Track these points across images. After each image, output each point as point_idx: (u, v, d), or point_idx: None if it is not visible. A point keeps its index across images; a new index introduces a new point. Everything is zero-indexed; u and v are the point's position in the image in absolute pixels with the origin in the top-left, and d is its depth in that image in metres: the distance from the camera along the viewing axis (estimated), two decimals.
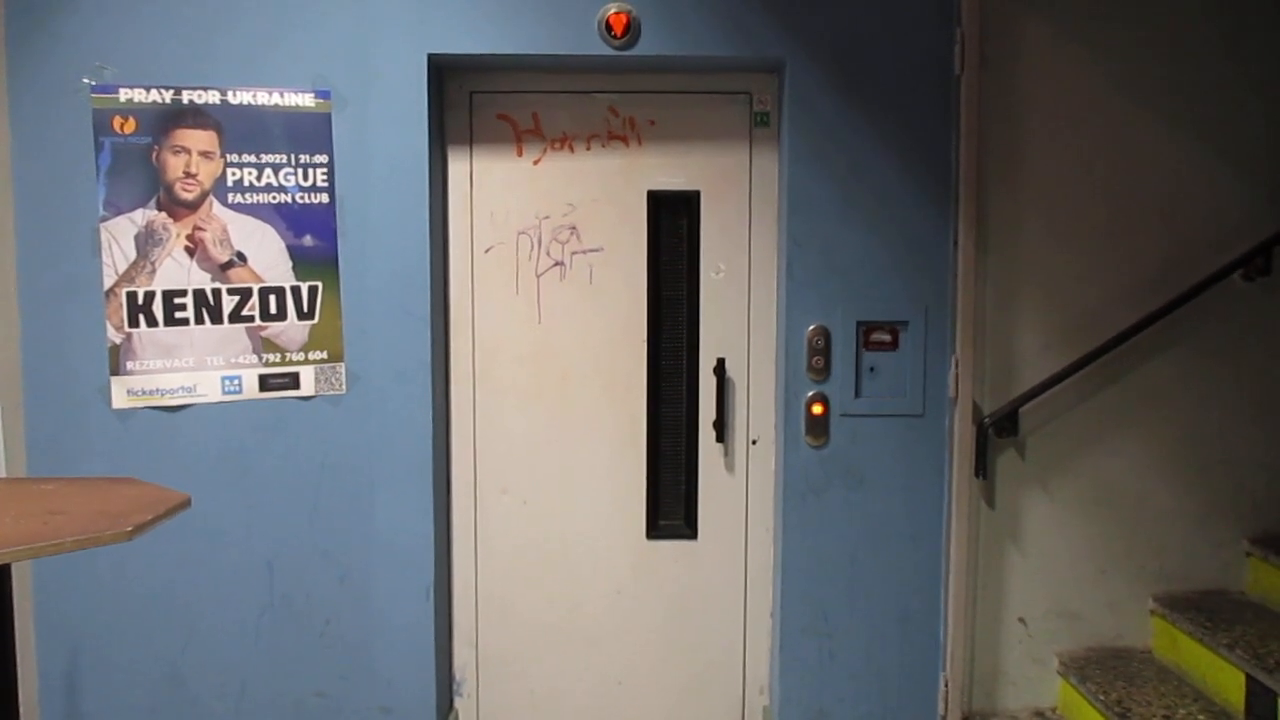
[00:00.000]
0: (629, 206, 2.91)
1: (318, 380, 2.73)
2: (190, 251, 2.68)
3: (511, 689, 3.01)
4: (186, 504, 1.81)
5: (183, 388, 2.70)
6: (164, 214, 2.67)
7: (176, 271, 2.68)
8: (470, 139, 2.89)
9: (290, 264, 2.71)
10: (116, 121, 2.63)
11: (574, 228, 2.91)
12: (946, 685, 2.82)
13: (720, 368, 2.92)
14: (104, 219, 2.65)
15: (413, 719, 2.81)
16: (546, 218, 2.91)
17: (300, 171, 2.69)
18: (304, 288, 2.72)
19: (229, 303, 2.70)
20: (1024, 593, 2.86)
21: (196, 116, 2.66)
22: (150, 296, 2.67)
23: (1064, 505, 2.85)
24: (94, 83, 2.62)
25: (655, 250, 2.92)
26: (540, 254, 2.92)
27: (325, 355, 2.74)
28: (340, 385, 2.74)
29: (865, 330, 2.79)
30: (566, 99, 2.88)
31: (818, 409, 2.78)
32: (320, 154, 2.69)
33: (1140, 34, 2.77)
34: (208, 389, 2.71)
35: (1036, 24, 2.75)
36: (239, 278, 2.70)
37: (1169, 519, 2.86)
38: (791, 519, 2.81)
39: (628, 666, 3.01)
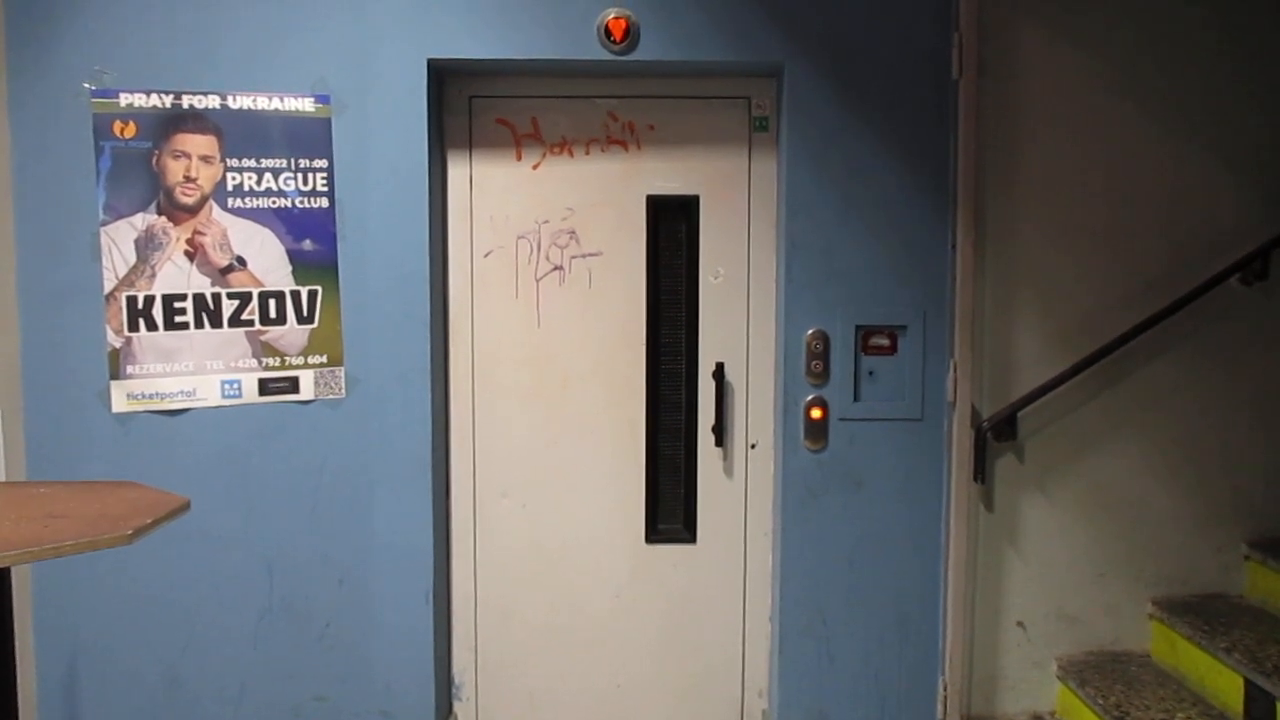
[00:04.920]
0: (628, 211, 2.91)
1: (317, 384, 2.74)
2: (190, 256, 2.69)
3: (510, 692, 3.01)
4: (186, 507, 1.81)
5: (182, 392, 2.70)
6: (164, 218, 2.67)
7: (176, 276, 2.68)
8: (470, 143, 2.90)
9: (290, 268, 2.71)
10: (117, 126, 2.64)
11: (573, 232, 2.92)
12: (945, 688, 2.82)
13: (719, 372, 2.92)
14: (104, 223, 2.65)
15: None
16: (546, 222, 2.91)
17: (300, 176, 2.70)
18: (304, 292, 2.72)
19: (229, 307, 2.70)
20: (1023, 596, 2.86)
21: (197, 121, 2.66)
22: (150, 300, 2.67)
23: (1062, 509, 2.85)
24: (94, 87, 2.63)
25: (654, 254, 2.93)
26: (539, 258, 2.92)
27: (325, 359, 2.74)
28: (340, 389, 2.74)
29: (864, 334, 2.79)
30: (566, 104, 2.89)
31: (816, 413, 2.78)
32: (320, 158, 2.70)
33: (1138, 38, 2.78)
34: (207, 393, 2.71)
35: (1034, 28, 2.76)
36: (239, 282, 2.70)
37: (1167, 523, 2.87)
38: (790, 523, 2.81)
39: (627, 670, 3.01)
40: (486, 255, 2.92)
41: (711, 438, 2.95)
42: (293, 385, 2.73)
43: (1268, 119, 2.82)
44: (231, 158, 2.68)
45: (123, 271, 2.67)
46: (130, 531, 1.59)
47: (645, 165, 2.91)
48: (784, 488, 2.81)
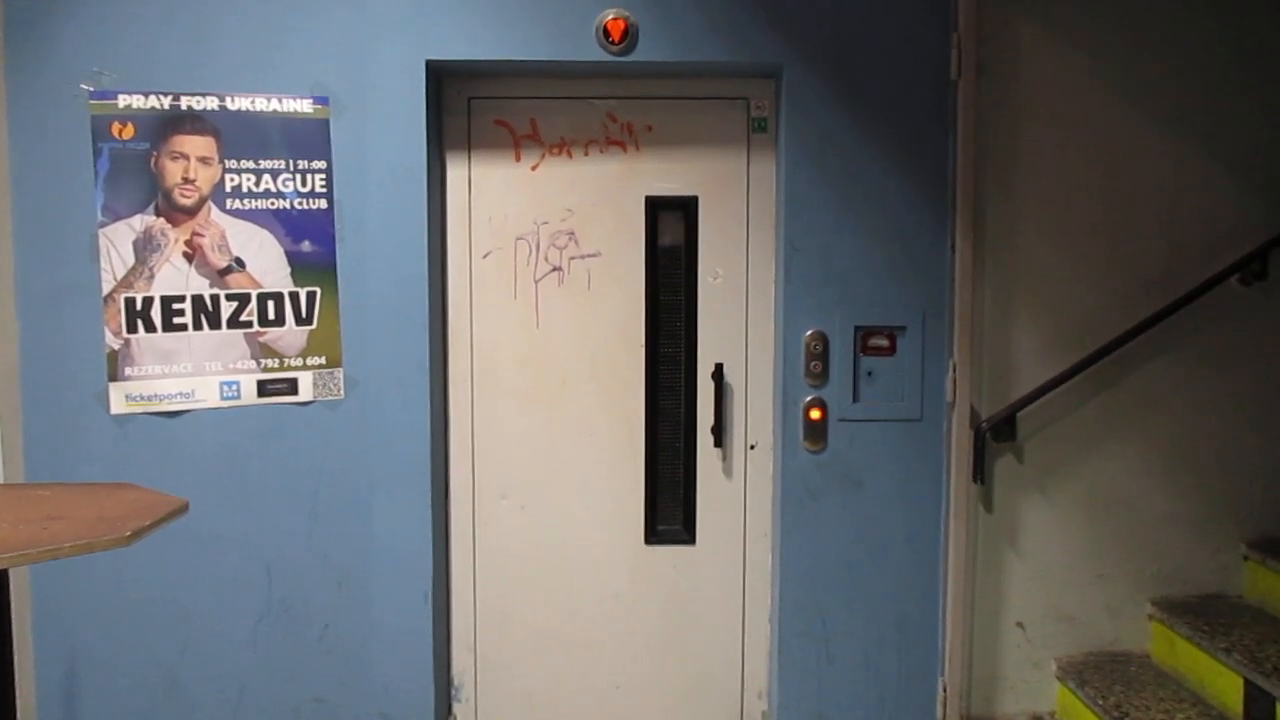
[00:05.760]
0: (627, 212, 2.91)
1: (316, 386, 2.74)
2: (189, 257, 2.69)
3: (509, 694, 3.00)
4: (184, 509, 1.81)
5: (181, 393, 2.70)
6: (162, 220, 2.67)
7: (175, 277, 2.68)
8: (468, 144, 2.90)
9: (289, 269, 2.71)
10: (115, 127, 2.64)
11: (572, 233, 2.91)
12: (944, 689, 2.82)
13: (718, 373, 2.92)
14: (102, 225, 2.65)
15: None
16: (545, 223, 2.91)
17: (299, 177, 2.70)
18: (302, 293, 2.72)
19: (227, 308, 2.70)
20: (1022, 597, 2.86)
21: (195, 122, 2.66)
22: (149, 302, 2.67)
23: (1062, 509, 2.85)
24: (92, 89, 2.63)
25: (653, 255, 2.93)
26: (538, 259, 2.92)
27: (323, 361, 2.74)
28: (338, 390, 2.74)
29: (863, 335, 2.79)
30: (565, 104, 2.89)
31: (815, 414, 2.78)
32: (318, 160, 2.70)
33: (1137, 38, 2.78)
34: (206, 394, 2.71)
35: (1033, 29, 2.76)
36: (237, 283, 2.70)
37: (1167, 523, 2.87)
38: (789, 524, 2.81)
39: (626, 671, 3.01)
40: (485, 256, 2.92)
41: (710, 438, 2.95)
42: (291, 387, 2.73)
43: (1268, 119, 2.82)
44: (230, 159, 2.68)
45: (121, 273, 2.66)
46: (129, 533, 1.59)
47: (644, 166, 2.91)
48: (783, 488, 2.81)
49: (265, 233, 2.70)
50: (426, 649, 2.81)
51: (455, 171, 2.90)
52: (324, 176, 2.70)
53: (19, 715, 2.49)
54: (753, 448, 2.96)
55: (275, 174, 2.69)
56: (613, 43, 2.69)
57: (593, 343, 2.93)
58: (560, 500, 2.96)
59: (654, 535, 2.98)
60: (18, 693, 2.12)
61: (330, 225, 2.71)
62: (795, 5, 2.71)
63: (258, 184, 2.69)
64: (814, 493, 2.80)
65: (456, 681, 2.99)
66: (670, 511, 2.99)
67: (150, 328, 2.68)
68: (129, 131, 2.64)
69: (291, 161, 2.69)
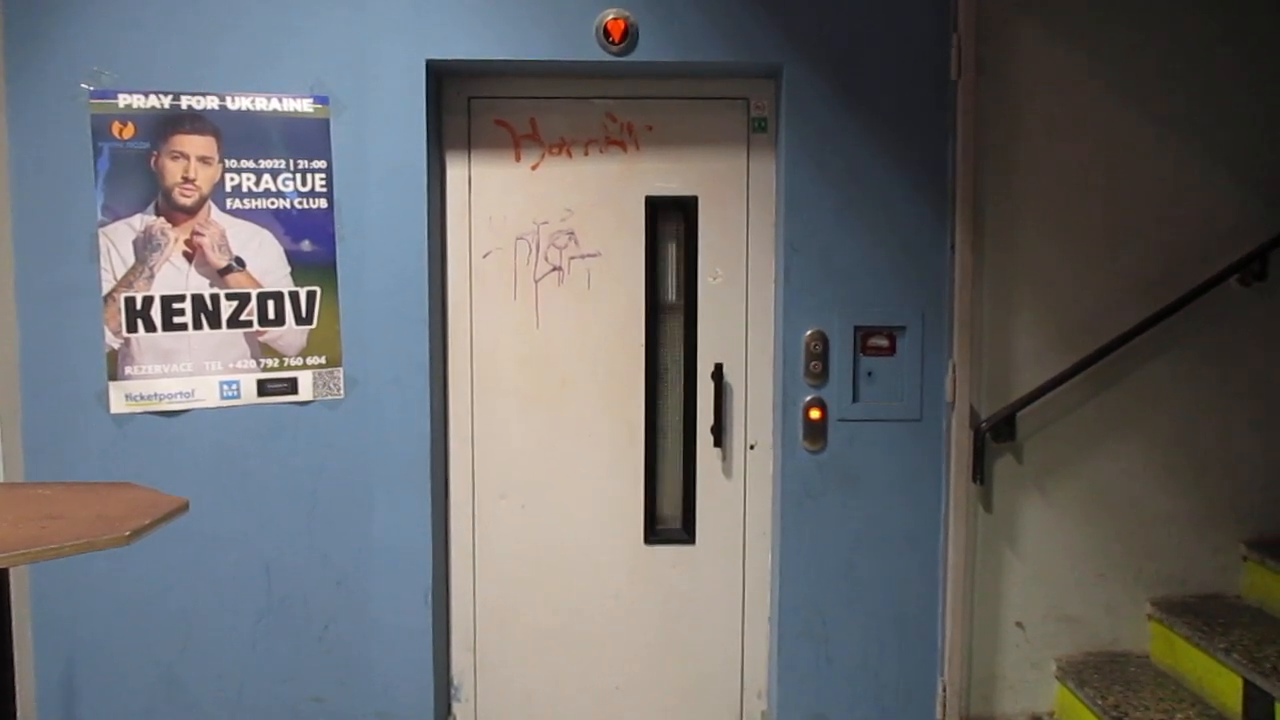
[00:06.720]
0: (627, 212, 2.91)
1: (316, 385, 2.74)
2: (189, 256, 2.69)
3: (509, 694, 3.00)
4: (184, 508, 1.81)
5: (181, 393, 2.70)
6: (162, 219, 2.67)
7: (175, 276, 2.68)
8: (468, 144, 2.90)
9: (288, 269, 2.71)
10: (115, 127, 2.64)
11: (572, 233, 2.91)
12: (944, 689, 2.82)
13: (718, 372, 2.92)
14: (102, 224, 2.65)
15: None
16: (544, 223, 2.91)
17: (299, 177, 2.70)
18: (302, 293, 2.72)
19: (227, 308, 2.70)
20: (1021, 597, 2.86)
21: (195, 122, 2.66)
22: (149, 301, 2.67)
23: (1061, 509, 2.85)
24: (92, 88, 2.63)
25: (653, 255, 2.93)
26: (538, 259, 2.92)
27: (323, 360, 2.74)
28: (338, 390, 2.74)
29: (863, 335, 2.79)
30: (564, 104, 2.89)
31: (815, 414, 2.78)
32: (318, 159, 2.70)
33: (1137, 38, 2.78)
34: (206, 394, 2.71)
35: (1032, 29, 2.76)
36: (237, 283, 2.70)
37: (1166, 523, 2.87)
38: (789, 523, 2.81)
39: (626, 671, 3.01)
40: (485, 256, 2.92)
41: (710, 438, 2.95)
42: (291, 386, 2.73)
43: (1268, 119, 2.82)
44: (230, 159, 2.68)
45: (121, 272, 2.66)
46: (128, 533, 1.60)
47: (644, 166, 2.91)
48: (783, 488, 2.81)
49: (265, 232, 2.70)
50: (426, 649, 2.81)
51: (455, 171, 2.90)
52: (324, 176, 2.70)
53: (19, 715, 2.49)
54: (752, 447, 2.97)
55: (275, 173, 2.69)
56: (613, 42, 2.69)
57: (593, 343, 2.93)
58: (560, 500, 2.96)
59: (654, 535, 2.98)
60: (18, 692, 2.12)
61: (330, 225, 2.71)
62: (795, 5, 2.71)
63: (258, 183, 2.69)
64: (814, 492, 2.80)
65: (456, 681, 3.00)
66: (670, 511, 2.99)
67: (150, 327, 2.68)
68: (129, 131, 2.65)
69: (291, 161, 2.69)
